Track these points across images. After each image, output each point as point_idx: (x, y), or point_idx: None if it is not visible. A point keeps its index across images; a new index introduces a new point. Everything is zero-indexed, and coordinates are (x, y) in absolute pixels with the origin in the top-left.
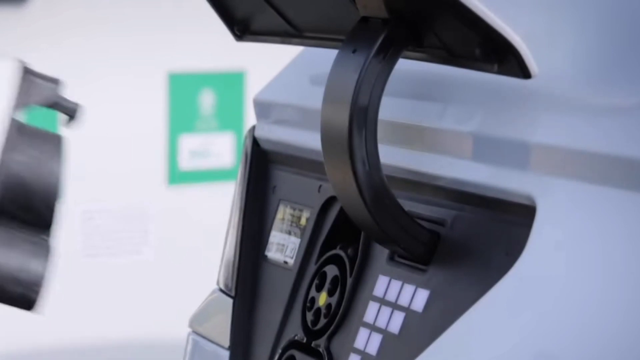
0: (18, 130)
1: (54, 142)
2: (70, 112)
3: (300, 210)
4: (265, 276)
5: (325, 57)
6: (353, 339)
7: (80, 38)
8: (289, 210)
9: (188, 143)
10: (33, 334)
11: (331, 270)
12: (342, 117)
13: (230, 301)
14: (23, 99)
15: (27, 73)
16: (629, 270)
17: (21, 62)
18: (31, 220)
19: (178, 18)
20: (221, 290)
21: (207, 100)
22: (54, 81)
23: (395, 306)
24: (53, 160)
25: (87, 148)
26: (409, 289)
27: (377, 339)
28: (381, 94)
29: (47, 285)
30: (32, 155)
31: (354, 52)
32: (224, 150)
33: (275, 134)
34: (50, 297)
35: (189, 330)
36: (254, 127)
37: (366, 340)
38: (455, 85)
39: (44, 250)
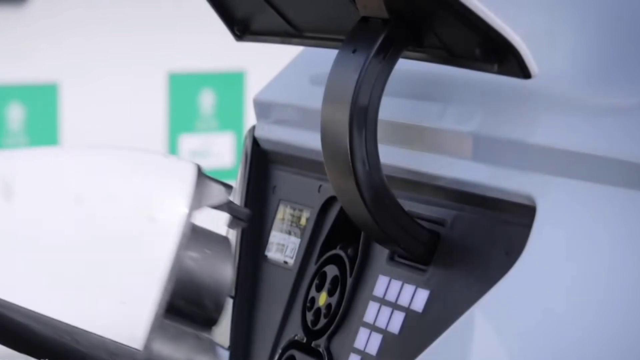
0: (192, 230)
1: (224, 244)
2: (241, 215)
3: (300, 210)
4: (265, 276)
5: (325, 57)
6: (353, 339)
7: (80, 38)
8: (289, 210)
9: (188, 143)
10: None
11: (331, 270)
12: (342, 117)
13: (230, 301)
14: (198, 201)
15: (202, 176)
16: (630, 269)
17: (197, 165)
18: (198, 317)
19: (178, 18)
20: None
21: (207, 100)
22: (226, 185)
23: (395, 306)
24: (223, 260)
25: None
26: (409, 289)
27: (377, 339)
28: (381, 94)
29: None
30: (204, 253)
31: (354, 52)
32: (224, 150)
33: (275, 134)
34: None
35: None
36: (254, 127)
37: (366, 340)
38: (455, 85)
39: (210, 346)
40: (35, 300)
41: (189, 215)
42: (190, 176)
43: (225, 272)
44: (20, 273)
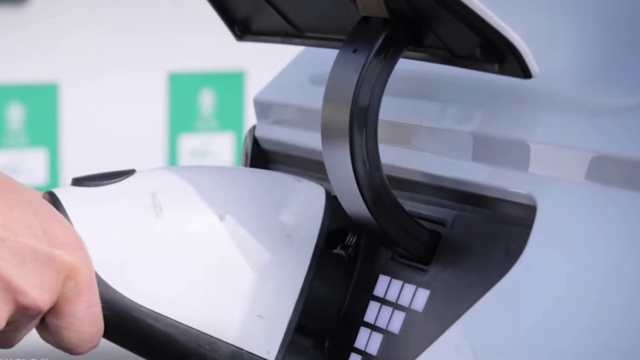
0: (320, 251)
1: (342, 263)
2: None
3: None
4: None
5: (325, 57)
6: (353, 339)
7: (80, 38)
8: None
9: (188, 143)
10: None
11: None
12: (342, 117)
13: None
14: (326, 223)
15: (330, 199)
16: (630, 269)
17: (325, 189)
18: (317, 332)
19: (178, 18)
20: None
21: (207, 100)
22: None
23: (395, 306)
24: (342, 277)
25: (87, 148)
26: (409, 288)
27: (377, 338)
28: (382, 93)
29: None
30: (328, 272)
31: (354, 52)
32: (224, 150)
33: (275, 134)
34: None
35: None
36: (254, 127)
37: (367, 340)
38: (455, 85)
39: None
40: (178, 311)
41: (320, 236)
42: (321, 199)
43: (342, 288)
44: (165, 284)
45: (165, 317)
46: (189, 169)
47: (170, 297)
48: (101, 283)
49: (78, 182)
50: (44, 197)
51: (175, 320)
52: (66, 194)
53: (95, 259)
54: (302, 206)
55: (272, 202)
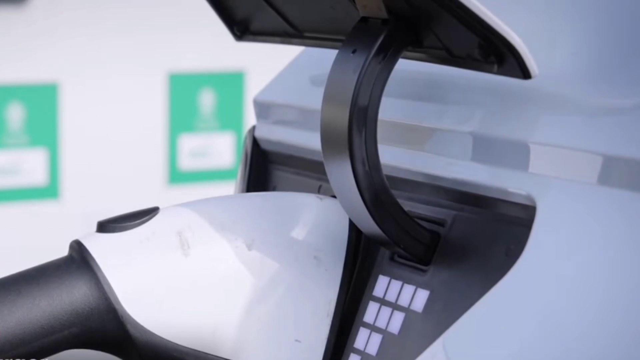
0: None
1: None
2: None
3: None
4: None
5: (325, 57)
6: (353, 339)
7: (80, 38)
8: None
9: (188, 143)
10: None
11: None
12: (342, 118)
13: None
14: (353, 239)
15: None
16: (630, 270)
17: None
18: None
19: (178, 18)
20: None
21: (207, 100)
22: None
23: (395, 306)
24: None
25: (87, 148)
26: (409, 289)
27: (377, 339)
28: (381, 94)
29: None
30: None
31: (353, 52)
32: (223, 150)
33: (275, 134)
34: None
35: None
36: (254, 127)
37: (366, 341)
38: (455, 86)
39: None
40: (216, 346)
41: (348, 253)
42: (345, 215)
43: None
44: (201, 320)
45: (204, 353)
46: (210, 201)
47: (207, 332)
48: (138, 327)
49: (103, 227)
50: (71, 245)
51: (215, 355)
52: (93, 242)
53: (130, 305)
54: (326, 226)
55: (296, 225)
